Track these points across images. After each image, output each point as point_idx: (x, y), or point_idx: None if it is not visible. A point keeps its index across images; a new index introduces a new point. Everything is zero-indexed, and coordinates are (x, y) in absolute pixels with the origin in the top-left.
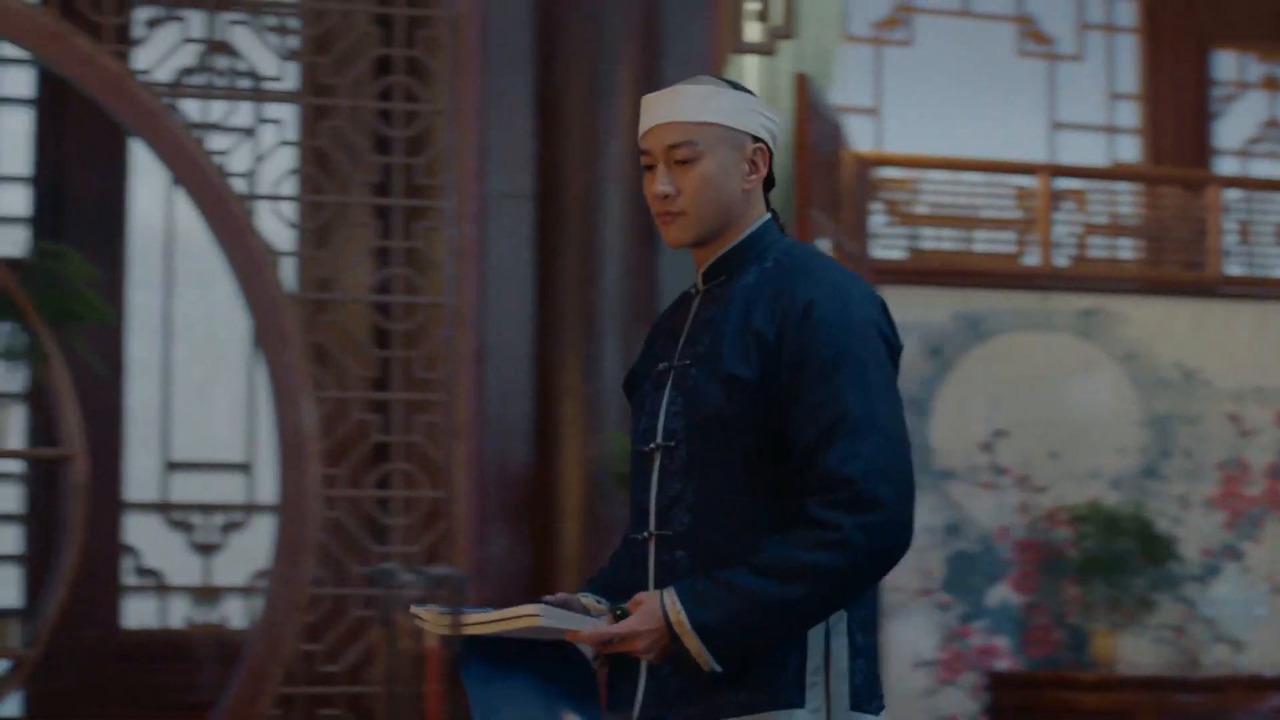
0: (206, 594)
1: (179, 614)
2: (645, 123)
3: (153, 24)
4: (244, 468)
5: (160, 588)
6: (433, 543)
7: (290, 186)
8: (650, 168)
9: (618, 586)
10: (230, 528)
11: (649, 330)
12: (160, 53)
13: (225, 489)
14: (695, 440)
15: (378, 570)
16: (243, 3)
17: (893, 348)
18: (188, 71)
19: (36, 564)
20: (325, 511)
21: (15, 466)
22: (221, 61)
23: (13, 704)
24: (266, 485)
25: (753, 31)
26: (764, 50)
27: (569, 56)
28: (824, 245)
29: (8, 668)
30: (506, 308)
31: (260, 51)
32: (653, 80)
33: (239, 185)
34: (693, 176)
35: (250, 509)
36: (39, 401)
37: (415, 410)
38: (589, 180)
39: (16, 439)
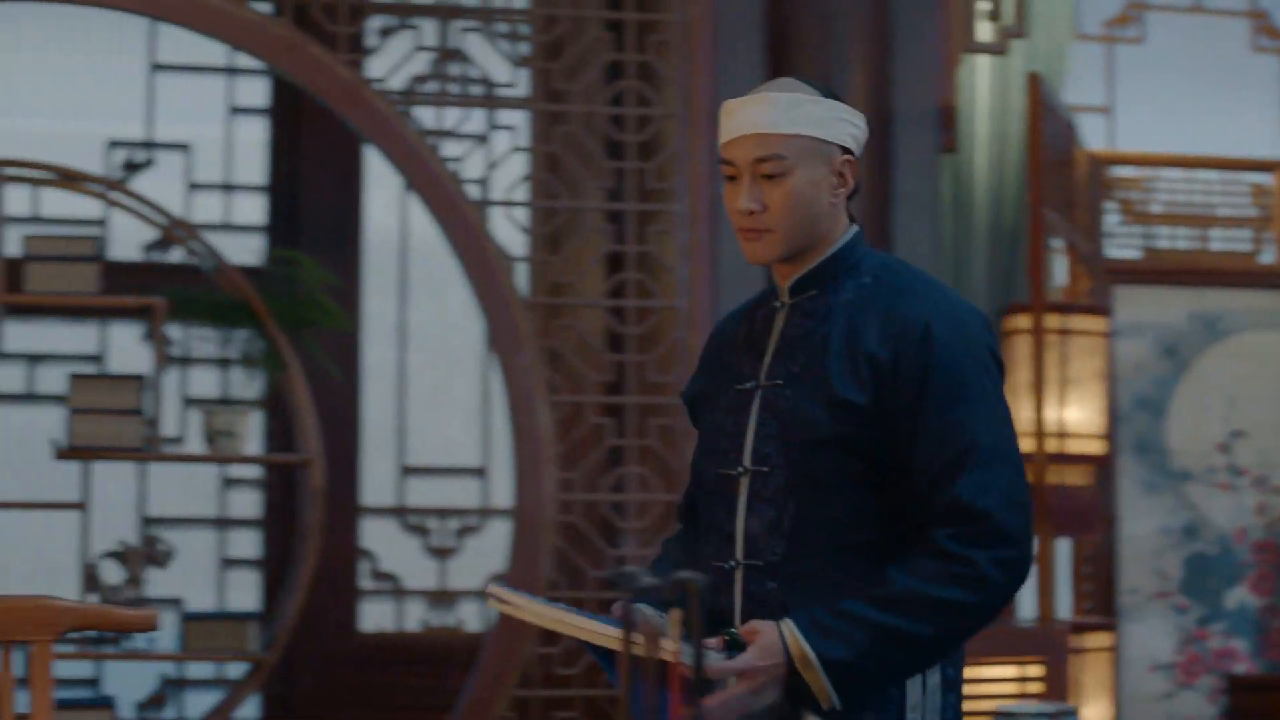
0: (442, 598)
1: (415, 618)
2: (728, 132)
3: (385, 33)
4: (479, 472)
5: (396, 591)
6: None
7: (523, 192)
8: (733, 178)
9: None
10: (465, 531)
11: (710, 341)
12: (393, 61)
13: (460, 493)
14: (795, 465)
15: (618, 573)
16: (474, 10)
17: (1002, 368)
18: (420, 79)
19: (274, 568)
20: (560, 515)
21: (254, 472)
22: (454, 69)
23: (251, 707)
24: (501, 489)
25: (984, 31)
26: (996, 50)
27: (799, 58)
28: (1057, 245)
29: (247, 671)
30: None
31: (492, 58)
32: (883, 82)
33: (472, 191)
34: (780, 192)
35: (485, 513)
36: (277, 407)
37: (649, 413)
38: None
39: (255, 444)
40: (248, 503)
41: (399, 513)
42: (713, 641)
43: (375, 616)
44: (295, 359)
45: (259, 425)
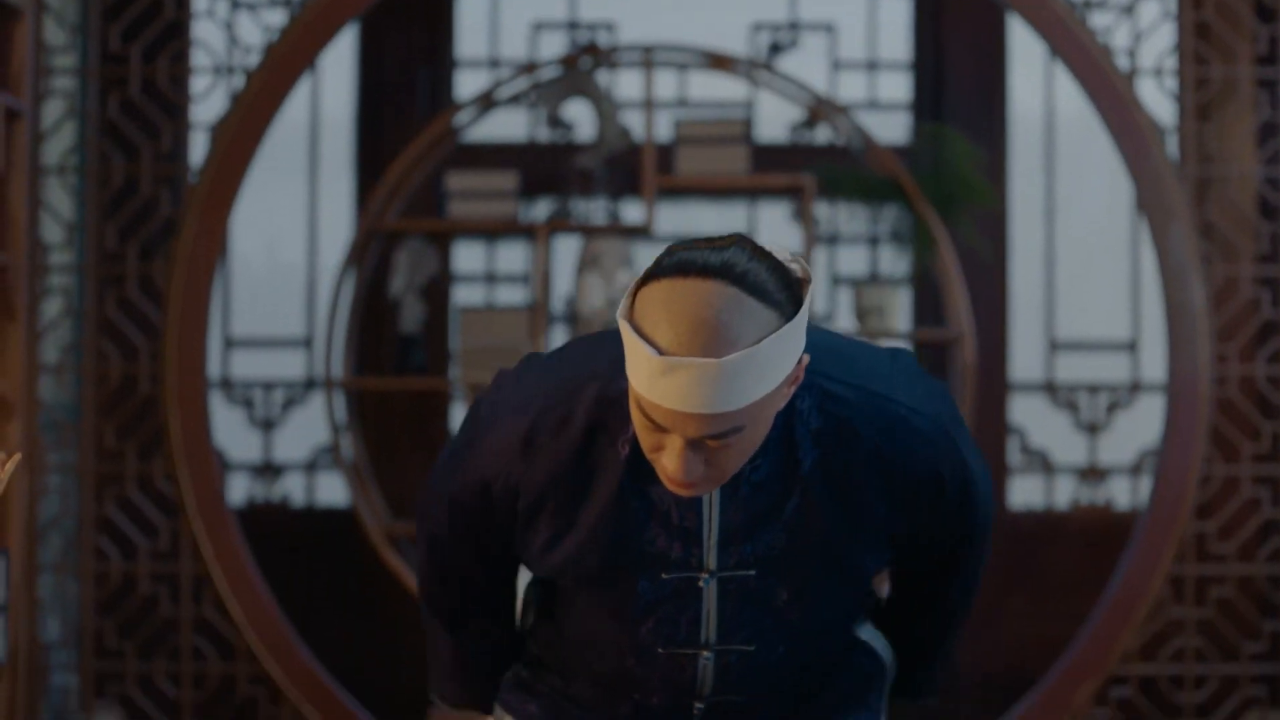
0: (1092, 474)
1: (1064, 494)
2: (653, 391)
3: None
4: (1129, 347)
5: (1046, 468)
6: None
7: (1172, 61)
8: (655, 427)
9: None
10: (1115, 407)
11: (526, 484)
12: None
13: (1110, 368)
14: (807, 641)
15: None
16: None
17: None
18: None
19: None
20: (1215, 390)
21: (903, 347)
22: None
23: None
24: (1151, 364)
25: None
26: None
27: None
28: None
29: None
30: None
31: None
32: None
33: (1121, 62)
34: (733, 452)
35: (1136, 388)
36: (925, 284)
37: None
38: None
39: (904, 321)
40: None
41: (1048, 389)
42: None
43: (1024, 493)
44: (945, 235)
45: (907, 302)
